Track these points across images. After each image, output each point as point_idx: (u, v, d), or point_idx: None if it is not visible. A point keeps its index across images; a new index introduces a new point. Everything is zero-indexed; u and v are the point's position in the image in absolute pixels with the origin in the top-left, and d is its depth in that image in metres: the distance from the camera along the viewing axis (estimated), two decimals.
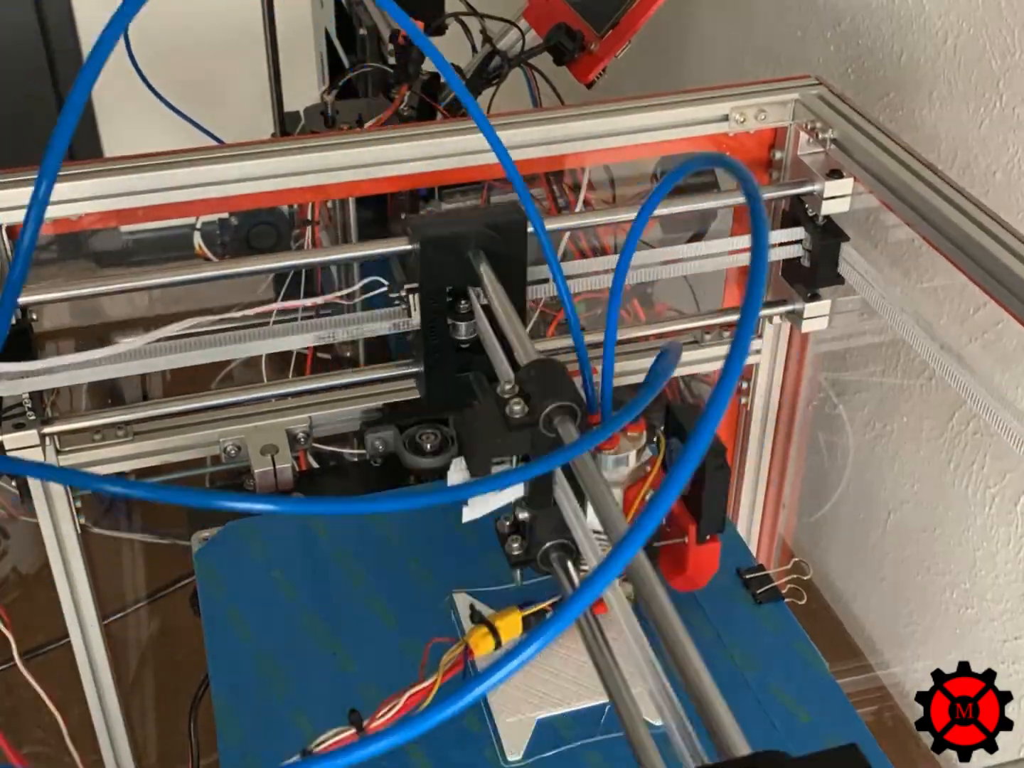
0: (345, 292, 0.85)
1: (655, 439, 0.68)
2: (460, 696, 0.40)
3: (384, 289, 0.84)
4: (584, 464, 0.60)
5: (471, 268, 0.77)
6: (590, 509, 0.61)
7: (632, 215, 0.93)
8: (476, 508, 0.62)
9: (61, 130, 0.53)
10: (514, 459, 0.64)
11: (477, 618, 0.66)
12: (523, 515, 0.64)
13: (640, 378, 0.97)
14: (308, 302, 0.88)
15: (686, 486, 0.66)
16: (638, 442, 0.67)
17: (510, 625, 0.66)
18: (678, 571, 0.69)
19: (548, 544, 0.64)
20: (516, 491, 0.64)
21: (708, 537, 0.67)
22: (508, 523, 0.66)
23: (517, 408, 0.62)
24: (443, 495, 0.63)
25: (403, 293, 0.80)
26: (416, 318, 0.81)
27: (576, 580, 0.64)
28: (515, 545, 0.65)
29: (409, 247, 0.79)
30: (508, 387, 0.63)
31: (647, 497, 0.67)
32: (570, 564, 0.64)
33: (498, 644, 0.65)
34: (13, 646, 0.86)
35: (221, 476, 1.01)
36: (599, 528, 0.59)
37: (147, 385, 1.27)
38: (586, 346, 0.69)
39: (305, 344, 0.84)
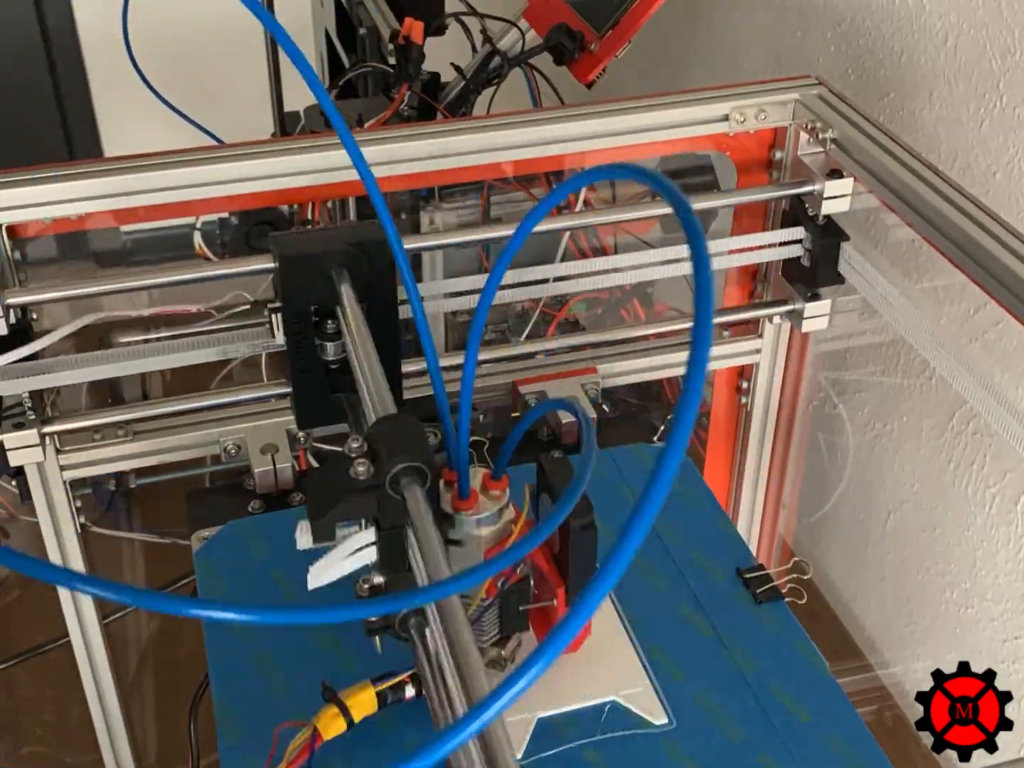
0: (209, 306, 0.82)
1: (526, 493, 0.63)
2: None
3: (247, 306, 0.82)
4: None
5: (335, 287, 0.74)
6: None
7: (632, 215, 0.94)
8: (321, 574, 0.58)
9: None
10: (363, 521, 0.59)
11: (327, 695, 0.60)
12: (378, 579, 0.60)
13: (639, 379, 0.98)
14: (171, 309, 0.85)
15: (553, 543, 0.64)
16: (500, 500, 0.62)
17: (363, 702, 0.61)
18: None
19: (405, 610, 0.59)
20: (370, 554, 0.59)
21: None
22: (367, 586, 0.61)
23: (361, 469, 0.57)
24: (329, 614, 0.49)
25: (266, 312, 0.77)
26: (280, 338, 0.77)
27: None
28: None
29: (272, 265, 0.75)
30: (355, 445, 0.58)
31: None
32: (428, 633, 0.59)
33: (350, 724, 0.60)
34: None
35: (221, 476, 1.01)
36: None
37: (147, 385, 1.27)
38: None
39: (176, 364, 0.81)
